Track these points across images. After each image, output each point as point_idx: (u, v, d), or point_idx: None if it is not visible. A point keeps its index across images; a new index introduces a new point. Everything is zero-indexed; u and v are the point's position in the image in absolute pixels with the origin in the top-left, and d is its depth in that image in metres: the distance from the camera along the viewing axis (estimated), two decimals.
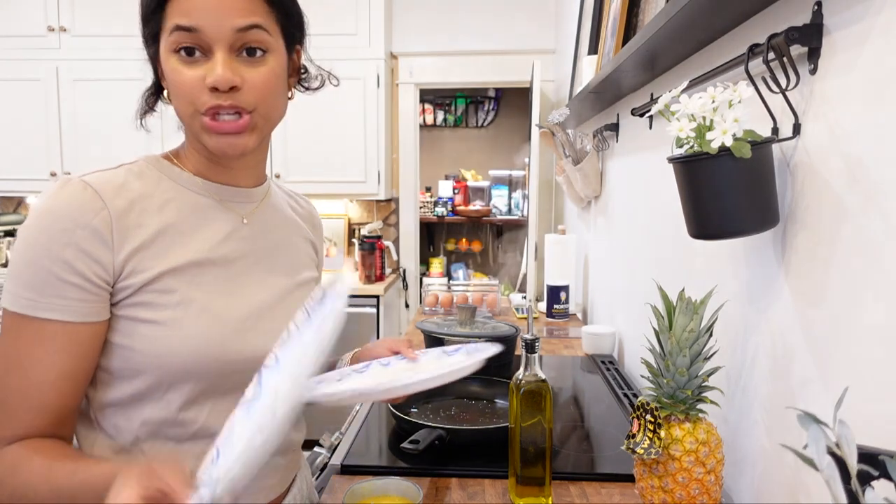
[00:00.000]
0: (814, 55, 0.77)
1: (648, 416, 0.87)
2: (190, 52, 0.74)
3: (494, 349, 0.92)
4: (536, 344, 0.94)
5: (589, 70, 1.96)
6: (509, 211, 4.80)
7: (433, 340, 1.60)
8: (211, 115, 0.75)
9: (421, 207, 4.46)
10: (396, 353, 0.98)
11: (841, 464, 0.42)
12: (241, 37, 0.74)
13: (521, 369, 0.94)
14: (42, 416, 0.72)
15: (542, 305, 2.43)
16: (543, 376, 0.93)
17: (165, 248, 0.76)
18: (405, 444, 1.07)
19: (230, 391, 0.78)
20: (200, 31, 0.72)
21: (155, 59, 0.80)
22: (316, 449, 1.18)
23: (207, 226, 0.82)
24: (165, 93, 0.81)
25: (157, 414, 0.77)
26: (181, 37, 0.73)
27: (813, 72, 0.77)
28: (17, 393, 0.71)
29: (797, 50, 0.79)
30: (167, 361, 0.75)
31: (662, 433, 0.85)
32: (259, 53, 0.76)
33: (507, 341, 1.60)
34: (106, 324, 0.74)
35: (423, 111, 4.84)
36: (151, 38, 0.78)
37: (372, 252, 3.30)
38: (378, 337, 3.20)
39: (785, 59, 0.78)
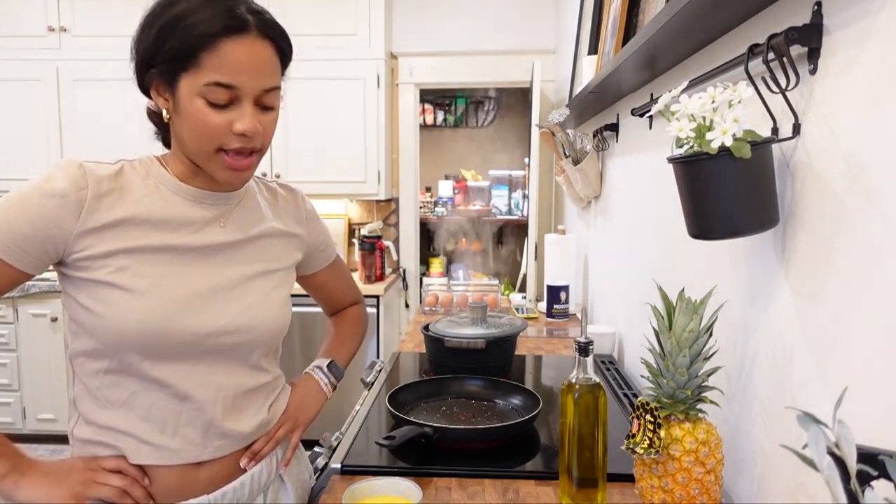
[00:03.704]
0: (814, 55, 0.77)
1: (648, 416, 0.87)
2: (221, 101, 0.84)
3: None
4: (590, 347, 0.92)
5: (589, 70, 1.96)
6: (509, 211, 4.80)
7: (437, 343, 1.60)
8: (232, 155, 0.87)
9: (421, 207, 4.45)
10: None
11: (840, 464, 0.42)
12: (264, 94, 0.87)
13: (575, 371, 0.93)
14: None
15: (542, 305, 2.43)
16: (597, 379, 0.92)
17: (127, 232, 0.87)
18: (379, 440, 1.08)
19: (178, 359, 0.89)
20: (237, 88, 0.84)
21: (150, 82, 0.88)
22: (316, 449, 1.18)
23: (176, 220, 0.90)
24: (166, 115, 0.89)
25: (115, 367, 0.88)
26: (219, 90, 0.83)
27: (813, 72, 0.77)
28: None
29: (797, 50, 0.79)
30: (114, 325, 0.85)
31: (662, 433, 0.85)
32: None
33: (511, 338, 1.61)
34: (27, 277, 0.85)
35: (423, 111, 4.84)
36: (169, 72, 0.85)
37: (372, 252, 3.30)
38: (378, 337, 3.20)
39: (785, 59, 0.78)
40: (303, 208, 1.10)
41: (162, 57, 0.84)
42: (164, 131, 0.96)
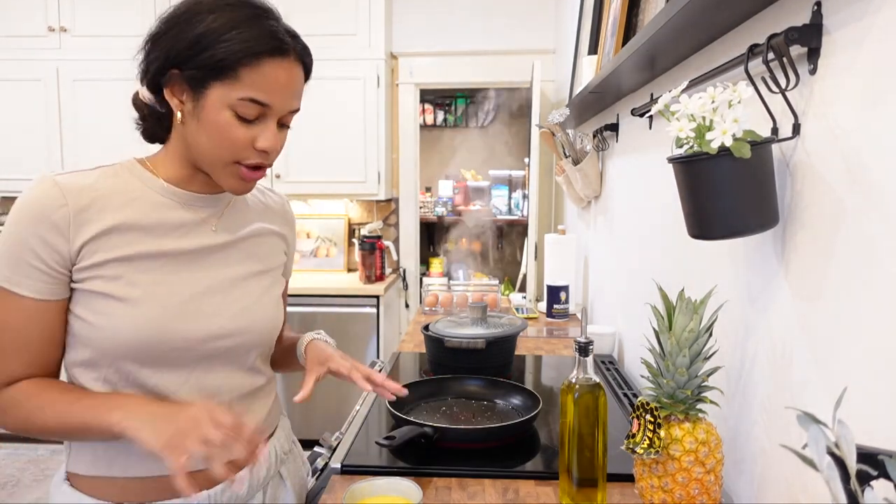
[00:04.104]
0: (813, 55, 0.77)
1: (648, 416, 0.87)
2: (250, 116, 0.85)
3: None
4: (590, 347, 0.92)
5: (589, 70, 1.96)
6: (509, 211, 4.80)
7: (437, 344, 1.60)
8: (248, 168, 0.88)
9: (421, 207, 4.46)
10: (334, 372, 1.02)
11: (840, 464, 0.42)
12: (288, 114, 0.90)
13: (575, 371, 0.92)
14: (27, 367, 0.86)
15: (542, 305, 2.43)
16: (598, 379, 0.92)
17: (118, 239, 0.86)
18: (379, 440, 1.08)
19: (175, 366, 0.89)
20: (270, 107, 0.86)
21: (168, 81, 0.86)
22: (316, 449, 1.18)
23: (166, 224, 0.90)
24: (179, 117, 0.88)
25: (113, 376, 0.87)
26: (252, 107, 0.84)
27: (812, 72, 0.77)
28: (4, 348, 0.85)
29: (797, 50, 0.79)
30: (110, 335, 0.85)
31: (662, 433, 0.85)
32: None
33: (511, 338, 1.61)
34: (66, 301, 0.86)
35: (423, 111, 4.84)
36: (199, 78, 0.83)
37: (372, 252, 3.30)
38: (378, 337, 3.20)
39: (784, 59, 0.78)
40: (289, 212, 1.12)
41: (196, 62, 0.83)
42: (149, 123, 0.94)
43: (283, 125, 0.91)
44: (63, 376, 0.91)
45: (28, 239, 0.82)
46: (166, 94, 0.87)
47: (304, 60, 0.90)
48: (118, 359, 0.86)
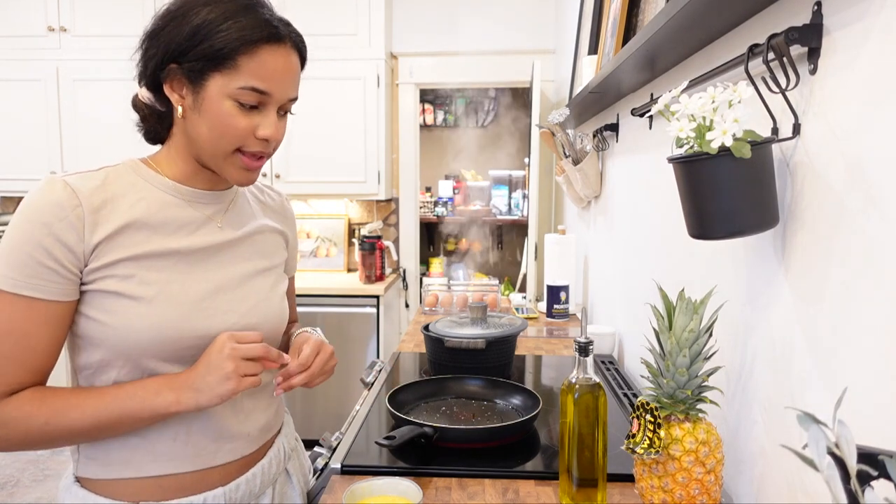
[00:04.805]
0: (814, 55, 0.77)
1: (648, 416, 0.87)
2: (250, 105, 0.86)
3: None
4: (590, 347, 0.92)
5: (589, 70, 1.96)
6: (509, 211, 4.80)
7: (437, 343, 1.60)
8: (249, 156, 0.89)
9: (421, 207, 4.46)
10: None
11: (840, 464, 0.42)
12: (287, 102, 0.91)
13: (575, 371, 0.93)
14: (31, 374, 0.84)
15: (542, 305, 2.43)
16: (598, 379, 0.92)
17: (128, 239, 0.86)
18: (379, 440, 1.08)
19: (188, 363, 0.89)
20: (270, 95, 0.86)
21: (167, 77, 0.86)
22: (316, 449, 1.18)
23: (174, 222, 0.90)
24: (180, 112, 0.88)
25: (125, 377, 0.87)
26: (252, 95, 0.85)
27: (813, 72, 0.77)
28: (9, 356, 0.82)
29: (797, 50, 0.79)
30: (124, 335, 0.85)
31: (662, 433, 0.85)
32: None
33: (511, 338, 1.61)
34: (75, 302, 0.85)
35: (423, 111, 4.84)
36: (198, 70, 0.84)
37: (372, 252, 3.30)
38: (378, 337, 3.20)
39: (785, 59, 0.78)
40: (288, 209, 1.12)
41: (194, 54, 0.83)
42: (150, 124, 0.94)
43: (282, 114, 0.91)
44: (63, 380, 0.91)
45: (42, 239, 0.80)
46: (166, 89, 0.87)
47: (300, 48, 0.91)
48: (133, 358, 0.86)
